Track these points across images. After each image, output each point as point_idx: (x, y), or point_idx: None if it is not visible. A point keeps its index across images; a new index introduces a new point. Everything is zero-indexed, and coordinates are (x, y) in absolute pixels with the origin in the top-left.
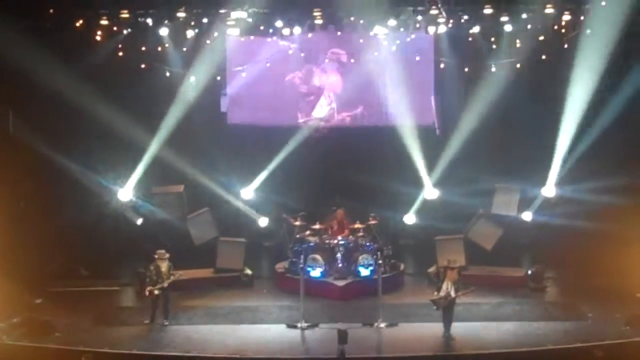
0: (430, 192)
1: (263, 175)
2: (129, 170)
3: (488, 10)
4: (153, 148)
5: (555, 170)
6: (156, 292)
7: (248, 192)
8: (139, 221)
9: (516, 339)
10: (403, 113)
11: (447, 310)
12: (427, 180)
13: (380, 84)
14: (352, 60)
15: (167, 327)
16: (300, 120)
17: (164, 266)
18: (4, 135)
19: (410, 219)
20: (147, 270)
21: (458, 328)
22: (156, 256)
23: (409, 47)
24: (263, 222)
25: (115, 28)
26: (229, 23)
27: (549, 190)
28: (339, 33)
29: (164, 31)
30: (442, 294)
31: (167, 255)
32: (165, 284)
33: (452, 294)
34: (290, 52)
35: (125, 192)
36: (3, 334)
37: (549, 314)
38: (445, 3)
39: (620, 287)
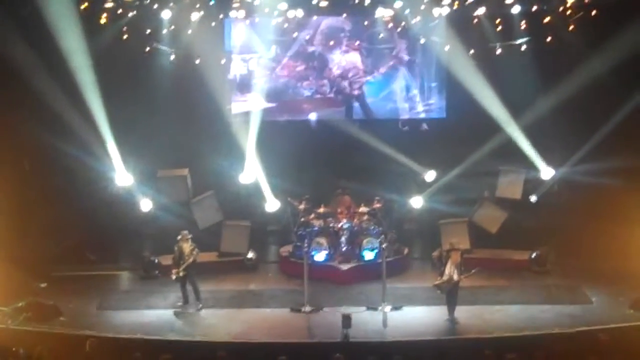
0: (429, 174)
1: (264, 159)
2: (133, 154)
3: None
4: (158, 131)
5: (555, 153)
6: (181, 273)
7: (247, 176)
8: (145, 206)
9: (520, 322)
10: (408, 95)
11: (451, 294)
12: (431, 164)
13: (385, 67)
14: (357, 43)
15: (172, 312)
16: (305, 105)
17: (187, 247)
18: (5, 123)
19: (417, 202)
20: (172, 252)
21: (462, 311)
22: (179, 237)
23: (414, 29)
24: (274, 205)
25: (119, 11)
26: (234, 5)
27: (547, 172)
28: (344, 15)
29: (168, 14)
30: (445, 278)
31: (190, 236)
32: (189, 262)
33: (455, 277)
34: (295, 34)
35: (129, 177)
36: (8, 319)
37: (553, 297)
38: None
39: (624, 271)
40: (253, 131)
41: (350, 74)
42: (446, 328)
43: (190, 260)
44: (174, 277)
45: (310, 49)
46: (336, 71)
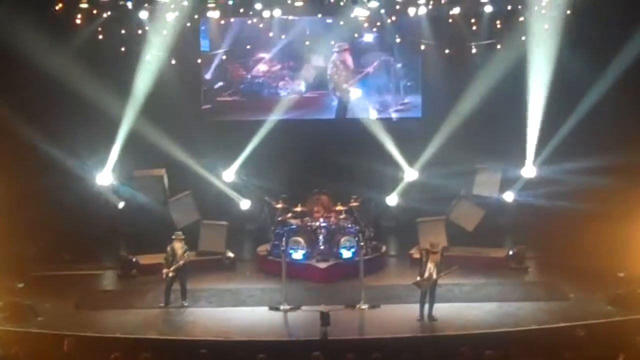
0: (410, 173)
1: (243, 158)
2: (110, 154)
3: None
4: (134, 131)
5: (532, 150)
6: (171, 274)
7: (229, 174)
8: (121, 205)
9: (498, 319)
10: (384, 95)
11: (428, 292)
12: (408, 162)
13: (360, 66)
14: (333, 42)
15: (150, 311)
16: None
17: (179, 247)
18: None
19: (392, 200)
20: (165, 252)
21: (440, 309)
22: (173, 237)
23: (390, 29)
24: (245, 204)
25: (95, 11)
26: (209, 5)
27: (529, 171)
28: (319, 15)
29: (143, 14)
30: (425, 276)
31: (183, 237)
32: (180, 264)
33: (434, 275)
34: (270, 34)
35: (106, 176)
36: None
37: (530, 294)
38: None
39: (601, 267)
40: (230, 131)
41: (343, 72)
42: (424, 325)
43: (182, 262)
44: (164, 276)
45: (287, 49)
46: (331, 69)
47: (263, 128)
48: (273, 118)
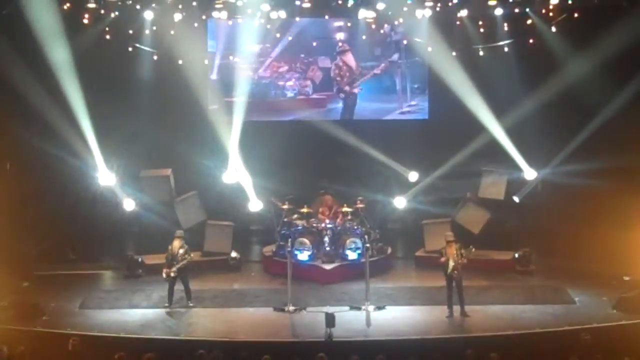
0: (416, 175)
1: (247, 160)
2: (116, 154)
3: None
4: (141, 131)
5: (524, 153)
6: (172, 274)
7: (230, 176)
8: (130, 206)
9: (503, 322)
10: (389, 96)
11: (456, 290)
12: (414, 164)
13: (367, 68)
14: (340, 44)
15: (155, 311)
16: (288, 106)
17: (178, 246)
18: None
19: (400, 202)
20: (165, 251)
21: (445, 311)
22: (175, 235)
23: (397, 30)
24: (257, 206)
25: (102, 11)
26: (216, 6)
27: (529, 173)
28: (326, 17)
29: (150, 14)
30: (450, 268)
31: (181, 235)
32: (183, 265)
33: (460, 261)
34: (278, 35)
35: (112, 176)
36: None
37: (536, 297)
38: None
39: (607, 271)
40: (236, 132)
41: (347, 74)
42: (429, 327)
43: (185, 262)
44: (164, 276)
45: (294, 50)
46: (334, 71)
47: (269, 129)
48: (280, 119)
